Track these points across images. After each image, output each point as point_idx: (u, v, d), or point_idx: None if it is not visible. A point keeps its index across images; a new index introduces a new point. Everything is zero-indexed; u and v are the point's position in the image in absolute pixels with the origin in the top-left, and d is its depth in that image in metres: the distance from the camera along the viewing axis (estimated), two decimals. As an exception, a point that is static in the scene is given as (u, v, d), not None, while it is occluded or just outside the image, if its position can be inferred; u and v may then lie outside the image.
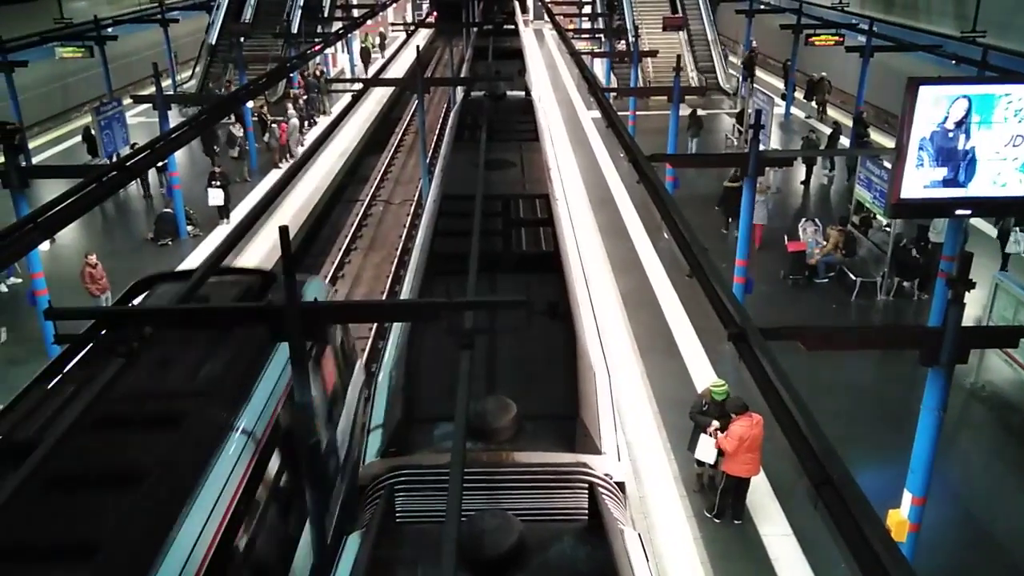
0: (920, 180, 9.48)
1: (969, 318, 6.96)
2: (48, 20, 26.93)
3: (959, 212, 9.99)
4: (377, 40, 42.05)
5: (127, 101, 22.17)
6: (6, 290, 14.53)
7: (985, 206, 10.27)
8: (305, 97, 27.21)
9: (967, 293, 6.09)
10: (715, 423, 8.78)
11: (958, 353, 6.30)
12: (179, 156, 17.32)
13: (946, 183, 9.53)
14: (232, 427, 5.42)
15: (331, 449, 7.08)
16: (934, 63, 20.98)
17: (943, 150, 9.34)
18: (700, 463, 9.19)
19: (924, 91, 9.13)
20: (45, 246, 13.29)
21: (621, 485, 5.17)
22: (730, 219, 17.04)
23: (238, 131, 21.79)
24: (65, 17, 27.98)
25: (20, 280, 14.53)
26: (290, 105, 24.67)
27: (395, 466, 4.98)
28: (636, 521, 5.44)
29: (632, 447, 9.86)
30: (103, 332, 5.63)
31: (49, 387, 5.67)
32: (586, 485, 4.73)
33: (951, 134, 9.29)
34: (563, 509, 4.72)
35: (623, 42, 31.19)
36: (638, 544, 4.41)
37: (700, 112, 23.56)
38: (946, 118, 9.22)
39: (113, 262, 14.61)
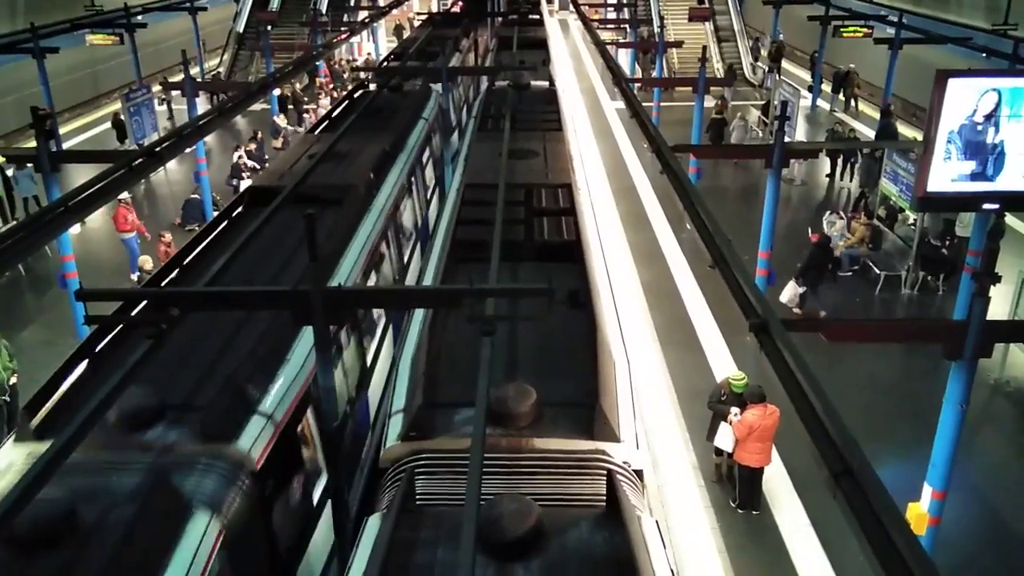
0: (947, 173, 9.38)
1: (994, 313, 6.88)
2: (79, 7, 27.22)
3: (986, 206, 9.87)
4: (407, 23, 42.80)
5: (156, 88, 22.41)
6: (135, 278, 14.30)
7: (1014, 200, 10.15)
8: (332, 85, 27.46)
9: (992, 287, 6.04)
10: (735, 410, 8.79)
11: (982, 347, 6.24)
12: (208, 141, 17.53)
13: (974, 177, 9.43)
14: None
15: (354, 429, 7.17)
16: (964, 56, 20.65)
17: (971, 143, 9.24)
18: (718, 452, 9.21)
19: (953, 84, 9.03)
20: (76, 229, 13.48)
21: (639, 473, 5.19)
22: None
23: (282, 122, 22.24)
24: (96, 5, 28.25)
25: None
26: (314, 94, 25.00)
27: (416, 450, 5.04)
28: (653, 509, 5.46)
29: (651, 436, 9.88)
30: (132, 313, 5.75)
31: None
32: (604, 472, 4.76)
33: (980, 127, 9.18)
34: (581, 495, 4.76)
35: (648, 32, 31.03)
36: (655, 531, 4.43)
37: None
38: (975, 111, 9.11)
39: (144, 246, 14.94)
